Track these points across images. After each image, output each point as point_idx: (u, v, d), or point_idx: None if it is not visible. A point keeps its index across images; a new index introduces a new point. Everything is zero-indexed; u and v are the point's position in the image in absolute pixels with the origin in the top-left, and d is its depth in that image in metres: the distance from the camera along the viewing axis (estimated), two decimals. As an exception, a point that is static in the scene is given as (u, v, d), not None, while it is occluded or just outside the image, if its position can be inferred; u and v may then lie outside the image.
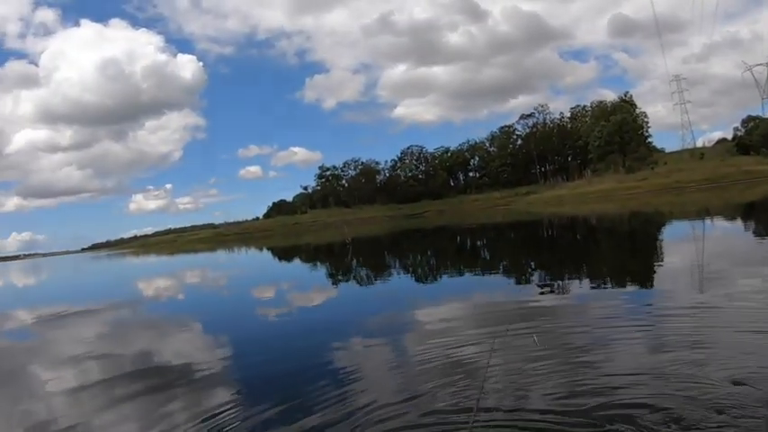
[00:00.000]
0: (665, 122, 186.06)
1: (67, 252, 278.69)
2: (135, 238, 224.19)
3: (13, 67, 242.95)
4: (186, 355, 10.19)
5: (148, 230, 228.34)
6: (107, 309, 20.84)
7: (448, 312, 11.58)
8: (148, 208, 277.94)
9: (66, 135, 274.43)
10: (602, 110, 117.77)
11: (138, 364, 10.13)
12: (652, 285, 12.19)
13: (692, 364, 6.13)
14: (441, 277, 19.37)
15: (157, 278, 37.01)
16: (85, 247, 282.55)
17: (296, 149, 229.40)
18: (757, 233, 20.59)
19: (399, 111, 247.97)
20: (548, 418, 5.25)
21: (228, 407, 6.81)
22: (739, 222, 27.04)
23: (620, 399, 5.41)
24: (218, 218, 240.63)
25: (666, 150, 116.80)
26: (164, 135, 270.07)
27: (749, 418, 4.75)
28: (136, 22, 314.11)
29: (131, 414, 7.10)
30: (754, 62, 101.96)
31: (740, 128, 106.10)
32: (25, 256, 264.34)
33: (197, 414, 6.62)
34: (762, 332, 7.09)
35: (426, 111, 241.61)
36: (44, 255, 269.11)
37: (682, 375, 5.87)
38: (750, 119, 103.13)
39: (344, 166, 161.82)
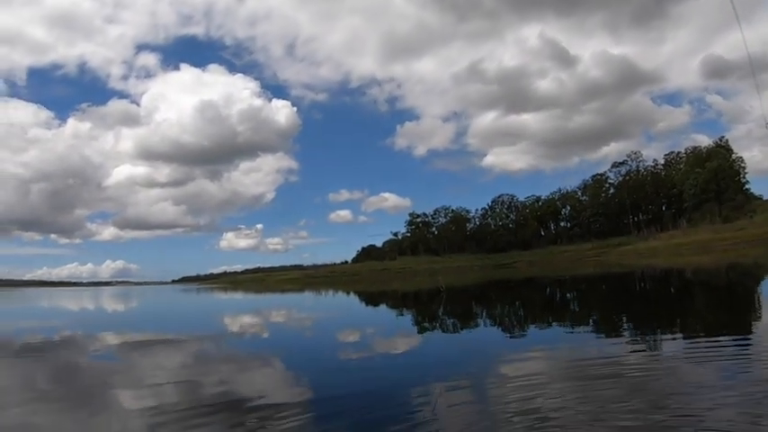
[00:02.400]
0: (762, 167, 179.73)
1: (158, 282, 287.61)
2: (224, 273, 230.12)
3: (116, 106, 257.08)
4: (264, 392, 10.39)
5: (238, 267, 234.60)
6: (192, 340, 21.47)
7: (534, 365, 11.54)
8: (239, 246, 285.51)
9: (163, 172, 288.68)
10: (696, 156, 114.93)
11: (216, 396, 10.42)
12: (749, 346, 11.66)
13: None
14: (529, 329, 19.24)
15: (245, 315, 37.69)
16: (176, 279, 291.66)
17: (386, 195, 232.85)
18: None
19: (489, 159, 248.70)
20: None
21: None
22: None
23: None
24: (306, 259, 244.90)
25: (765, 197, 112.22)
26: (257, 177, 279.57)
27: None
28: (232, 68, 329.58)
29: None
30: None
31: None
32: (117, 283, 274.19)
33: None
34: None
35: (516, 159, 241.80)
36: (135, 283, 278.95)
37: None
38: None
39: (435, 214, 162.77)
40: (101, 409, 9.66)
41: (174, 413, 8.96)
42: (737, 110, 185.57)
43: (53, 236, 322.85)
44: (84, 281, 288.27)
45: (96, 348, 20.13)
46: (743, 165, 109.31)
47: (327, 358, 15.13)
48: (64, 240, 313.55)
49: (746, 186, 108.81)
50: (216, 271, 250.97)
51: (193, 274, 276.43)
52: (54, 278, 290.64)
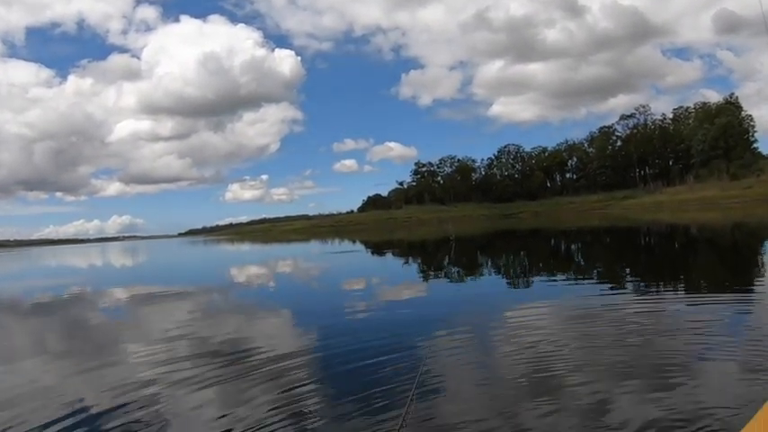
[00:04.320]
0: None
1: (165, 236, 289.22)
2: (230, 225, 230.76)
3: (117, 60, 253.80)
4: (271, 341, 10.81)
5: (243, 219, 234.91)
6: (200, 292, 22.02)
7: (537, 315, 11.92)
8: (244, 197, 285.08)
9: (166, 126, 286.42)
10: (705, 112, 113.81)
11: (224, 346, 10.86)
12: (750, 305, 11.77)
13: None
14: (535, 279, 19.58)
15: (251, 266, 38.32)
16: (182, 232, 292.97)
17: (391, 145, 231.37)
18: None
19: (495, 109, 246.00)
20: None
21: (305, 392, 7.39)
22: None
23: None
24: (311, 209, 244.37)
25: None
26: (261, 127, 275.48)
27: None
28: (234, 18, 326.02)
29: (212, 393, 7.71)
30: None
31: None
32: (124, 238, 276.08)
33: (275, 398, 7.17)
34: None
35: (523, 109, 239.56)
36: (142, 237, 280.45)
37: None
38: None
39: (440, 163, 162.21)
40: (111, 364, 10.00)
41: (183, 366, 9.31)
42: (748, 67, 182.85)
43: (58, 194, 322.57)
44: (92, 237, 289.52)
45: (106, 304, 20.68)
46: (752, 123, 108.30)
47: (332, 308, 15.44)
48: (69, 198, 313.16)
49: (755, 145, 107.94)
50: (221, 223, 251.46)
51: (199, 226, 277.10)
52: (61, 236, 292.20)
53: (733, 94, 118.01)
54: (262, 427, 6.24)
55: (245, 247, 75.83)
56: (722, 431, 5.11)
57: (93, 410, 7.25)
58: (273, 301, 18.49)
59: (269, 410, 6.76)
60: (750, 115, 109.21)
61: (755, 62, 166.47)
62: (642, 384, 6.80)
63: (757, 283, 15.03)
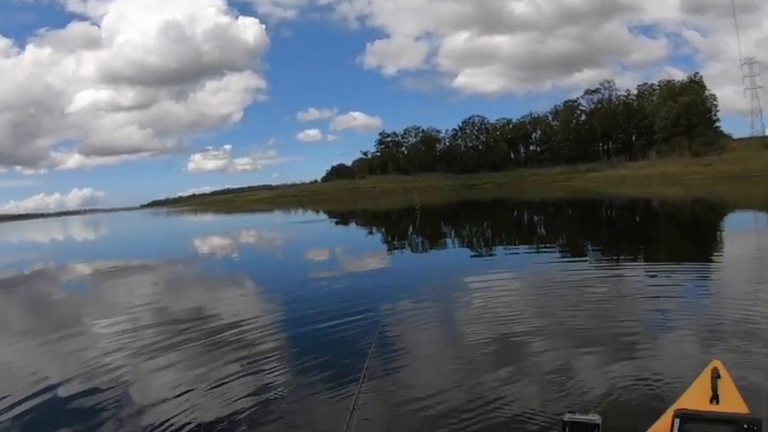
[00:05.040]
0: (734, 107, 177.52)
1: (127, 208, 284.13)
2: (193, 196, 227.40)
3: (76, 29, 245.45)
4: (234, 309, 10.84)
5: (206, 189, 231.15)
6: (164, 264, 21.81)
7: (499, 283, 11.99)
8: (207, 167, 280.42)
9: (127, 95, 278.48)
10: (670, 89, 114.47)
11: (187, 315, 11.00)
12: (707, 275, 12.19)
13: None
14: (497, 249, 19.68)
15: (215, 237, 38.07)
16: (144, 203, 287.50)
17: (355, 114, 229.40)
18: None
19: (461, 80, 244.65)
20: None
21: (268, 360, 7.43)
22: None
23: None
24: (275, 180, 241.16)
25: (734, 137, 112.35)
26: (224, 96, 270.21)
27: None
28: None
29: (175, 358, 7.79)
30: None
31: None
32: (86, 212, 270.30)
33: (240, 366, 7.23)
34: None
35: (488, 81, 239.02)
36: (104, 210, 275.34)
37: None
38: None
39: (405, 134, 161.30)
40: (75, 337, 9.94)
41: (148, 336, 9.31)
42: (714, 48, 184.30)
43: (17, 168, 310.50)
44: (52, 212, 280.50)
45: (68, 279, 20.41)
46: (715, 102, 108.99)
47: (295, 278, 15.50)
48: (29, 172, 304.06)
49: (717, 124, 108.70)
50: (184, 194, 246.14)
51: (162, 198, 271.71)
52: (21, 211, 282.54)
53: (697, 73, 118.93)
54: (221, 385, 6.44)
55: (209, 217, 75.56)
56: (675, 386, 5.11)
57: (58, 382, 7.21)
58: (237, 272, 18.46)
59: (231, 373, 6.90)
60: (713, 95, 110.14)
61: (721, 43, 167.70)
62: (601, 350, 7.00)
63: (715, 255, 15.43)
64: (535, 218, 38.06)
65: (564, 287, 11.29)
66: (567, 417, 2.72)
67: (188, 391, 6.51)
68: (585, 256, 16.79)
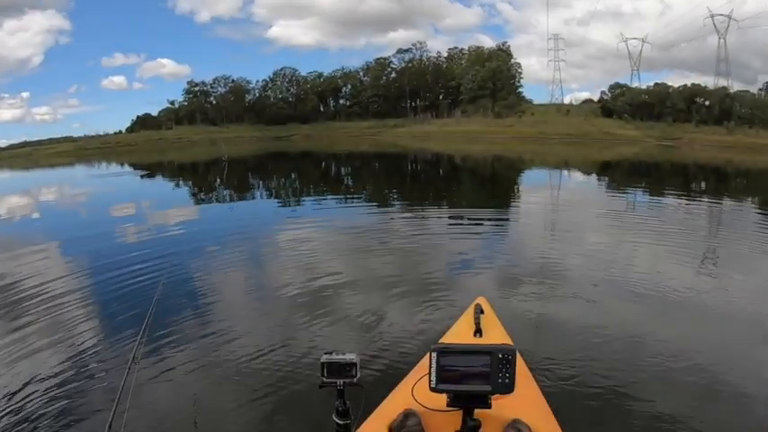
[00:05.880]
0: (537, 76, 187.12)
1: None
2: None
3: None
4: (38, 282, 9.63)
5: (1, 143, 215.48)
6: None
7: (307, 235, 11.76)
8: (2, 118, 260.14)
9: None
10: (478, 55, 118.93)
11: None
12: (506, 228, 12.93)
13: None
14: (305, 200, 19.42)
15: (12, 196, 35.01)
16: None
17: (164, 61, 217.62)
18: (611, 189, 21.69)
19: (275, 31, 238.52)
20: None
21: (80, 333, 6.88)
22: (594, 178, 28.37)
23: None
24: (77, 130, 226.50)
25: (535, 102, 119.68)
26: (23, 38, 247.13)
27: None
28: None
29: None
30: (631, 35, 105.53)
31: (607, 92, 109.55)
32: None
33: (49, 343, 6.64)
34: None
35: (303, 33, 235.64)
36: None
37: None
38: (618, 86, 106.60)
39: (214, 83, 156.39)
40: None
41: None
42: (524, 21, 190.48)
43: None
44: None
45: None
46: (519, 70, 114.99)
47: (99, 237, 14.37)
48: None
49: (520, 90, 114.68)
50: None
51: None
52: None
53: (506, 42, 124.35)
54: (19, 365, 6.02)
55: (4, 174, 69.92)
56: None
57: None
58: (37, 234, 16.71)
59: (28, 351, 6.40)
60: (519, 63, 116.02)
61: (532, 18, 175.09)
62: (407, 294, 7.33)
63: (512, 204, 16.17)
64: (342, 170, 38.12)
65: (370, 236, 11.59)
66: (324, 358, 2.64)
67: None
68: (392, 207, 16.90)
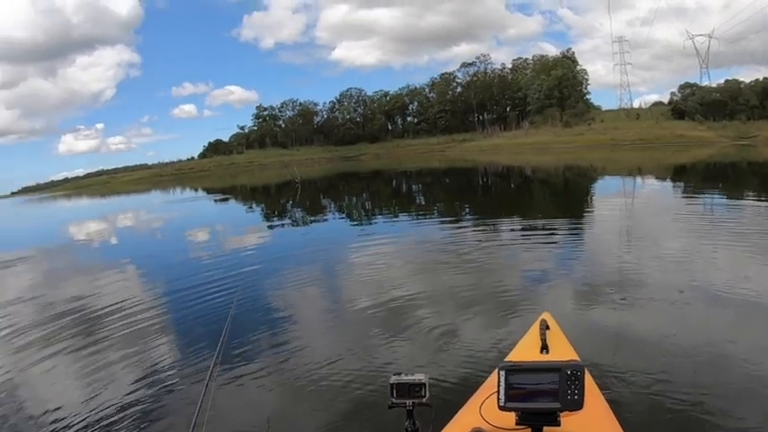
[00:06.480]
0: (603, 81, 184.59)
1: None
2: (66, 180, 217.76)
3: None
4: (115, 303, 9.94)
5: (79, 172, 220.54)
6: (40, 254, 20.31)
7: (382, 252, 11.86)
8: (79, 149, 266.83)
9: None
10: (543, 64, 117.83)
11: (72, 308, 10.04)
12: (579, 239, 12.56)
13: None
14: (377, 219, 19.57)
15: (92, 222, 36.06)
16: (15, 191, 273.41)
17: (232, 88, 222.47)
18: (687, 194, 21.15)
19: (338, 53, 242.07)
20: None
21: (160, 347, 7.12)
22: (669, 182, 27.68)
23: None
24: (151, 158, 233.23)
25: (603, 108, 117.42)
26: (96, 72, 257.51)
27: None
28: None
29: (65, 359, 7.18)
30: (697, 32, 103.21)
31: (677, 93, 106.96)
32: None
33: (123, 362, 6.77)
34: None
35: (366, 54, 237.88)
36: None
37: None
38: (687, 85, 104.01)
39: (282, 107, 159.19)
40: None
41: (25, 334, 8.54)
42: (586, 26, 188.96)
43: None
44: None
45: None
46: (586, 77, 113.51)
47: (172, 258, 14.88)
48: None
49: (587, 96, 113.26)
50: (57, 178, 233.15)
51: (33, 183, 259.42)
52: None
53: (570, 49, 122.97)
54: (99, 381, 6.18)
55: (84, 202, 72.13)
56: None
57: None
58: (112, 257, 17.27)
59: (108, 366, 6.61)
60: (585, 69, 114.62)
61: (594, 22, 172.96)
62: (474, 310, 7.23)
63: (586, 214, 15.87)
64: (413, 187, 38.23)
65: (445, 252, 11.46)
66: (393, 379, 2.66)
67: (57, 384, 6.37)
68: (462, 222, 16.89)
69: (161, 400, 5.59)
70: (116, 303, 9.63)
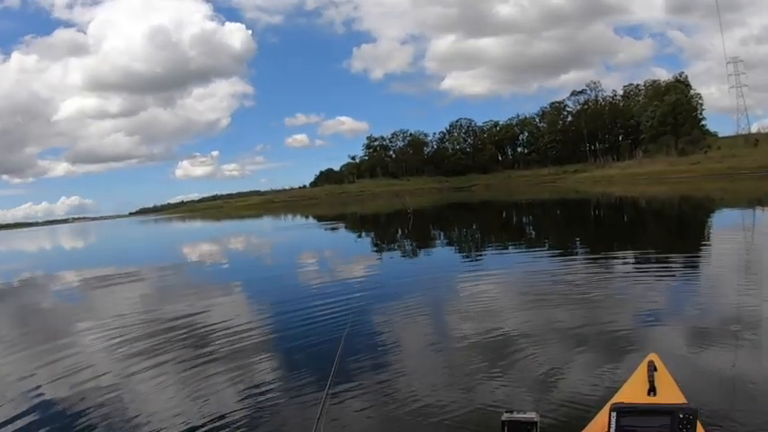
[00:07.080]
0: (719, 105, 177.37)
1: (115, 216, 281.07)
2: (182, 203, 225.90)
3: (62, 35, 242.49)
4: (227, 321, 10.57)
5: (195, 196, 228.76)
6: (154, 272, 21.61)
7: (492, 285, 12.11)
8: (195, 174, 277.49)
9: (114, 102, 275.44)
10: (655, 89, 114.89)
11: (177, 324, 10.81)
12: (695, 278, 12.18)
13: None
14: (487, 251, 19.78)
15: (205, 243, 37.85)
16: (133, 211, 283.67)
17: (343, 119, 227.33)
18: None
19: (447, 83, 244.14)
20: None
21: (263, 371, 7.39)
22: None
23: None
24: (263, 185, 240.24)
25: (720, 135, 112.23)
26: (211, 103, 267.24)
27: None
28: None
29: (171, 376, 7.59)
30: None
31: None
32: (74, 220, 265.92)
33: (235, 379, 7.13)
34: None
35: (475, 83, 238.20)
36: (92, 218, 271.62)
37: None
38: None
39: (392, 137, 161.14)
40: (66, 349, 9.60)
41: (139, 346, 9.18)
42: (698, 47, 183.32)
43: (5, 176, 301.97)
44: (41, 220, 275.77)
45: (57, 287, 20.22)
46: (700, 101, 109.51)
47: (282, 283, 15.61)
48: (16, 180, 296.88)
49: (703, 122, 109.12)
50: (173, 201, 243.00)
51: (150, 205, 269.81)
52: (9, 220, 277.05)
53: (683, 72, 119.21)
54: (202, 389, 6.56)
55: (198, 224, 75.16)
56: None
57: (48, 393, 7.14)
58: (224, 278, 18.39)
59: (211, 375, 7.09)
60: (699, 94, 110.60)
61: (706, 42, 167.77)
62: (581, 347, 7.13)
63: (702, 249, 15.57)
64: (523, 218, 38.22)
65: (554, 287, 11.32)
66: (504, 416, 2.75)
67: (172, 398, 6.62)
68: (575, 255, 16.85)
69: (274, 426, 5.72)
70: (228, 320, 10.31)
